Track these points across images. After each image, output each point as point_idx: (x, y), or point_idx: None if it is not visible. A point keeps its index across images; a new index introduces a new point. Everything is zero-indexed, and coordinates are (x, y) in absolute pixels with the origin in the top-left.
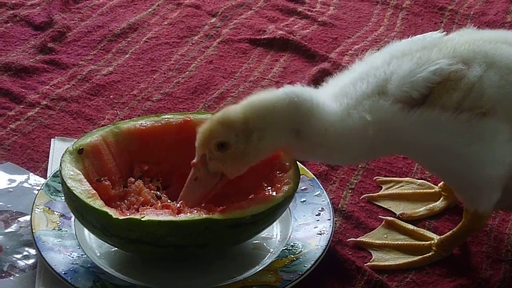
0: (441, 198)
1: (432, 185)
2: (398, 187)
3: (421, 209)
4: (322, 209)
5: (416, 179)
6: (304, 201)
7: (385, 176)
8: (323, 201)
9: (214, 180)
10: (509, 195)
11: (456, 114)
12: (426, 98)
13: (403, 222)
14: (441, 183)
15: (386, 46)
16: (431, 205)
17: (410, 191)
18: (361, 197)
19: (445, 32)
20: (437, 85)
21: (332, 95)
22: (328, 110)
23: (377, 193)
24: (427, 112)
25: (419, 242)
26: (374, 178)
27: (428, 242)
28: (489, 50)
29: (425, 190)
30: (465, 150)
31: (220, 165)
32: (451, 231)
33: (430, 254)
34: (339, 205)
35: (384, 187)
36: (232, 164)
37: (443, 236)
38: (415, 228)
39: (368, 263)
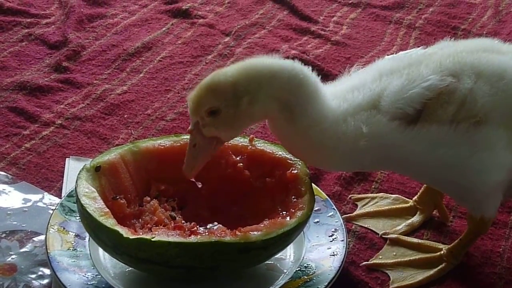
0: (418, 212)
1: (406, 199)
2: (374, 204)
3: (401, 226)
4: (335, 230)
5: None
6: (317, 222)
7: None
8: (336, 222)
9: (211, 145)
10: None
11: (453, 126)
12: (420, 114)
13: (406, 237)
14: (415, 197)
15: (370, 64)
16: (409, 221)
17: (386, 207)
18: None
19: (425, 47)
20: (430, 100)
21: (330, 94)
22: (326, 104)
23: (354, 213)
24: (425, 128)
25: (430, 255)
26: (349, 196)
27: (438, 254)
28: (474, 61)
29: (400, 205)
30: (468, 160)
31: (213, 130)
32: (458, 240)
33: (443, 265)
34: (353, 226)
35: (359, 204)
36: (225, 128)
37: (451, 245)
38: (420, 241)
39: (390, 287)
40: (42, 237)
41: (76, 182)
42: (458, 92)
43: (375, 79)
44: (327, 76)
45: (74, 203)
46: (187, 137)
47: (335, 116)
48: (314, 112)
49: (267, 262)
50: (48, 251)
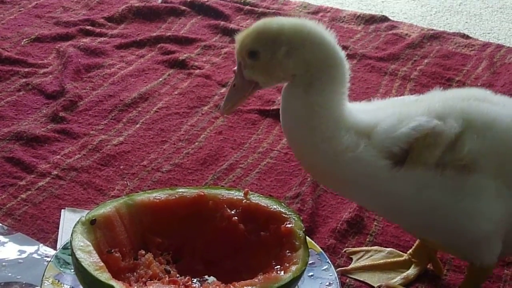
0: (413, 265)
1: (401, 252)
2: (368, 257)
3: (396, 279)
4: (330, 284)
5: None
6: (312, 275)
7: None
8: (330, 275)
9: (249, 87)
10: (508, 247)
11: (440, 170)
12: (407, 154)
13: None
14: (410, 250)
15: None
16: (405, 274)
17: (381, 261)
18: (336, 270)
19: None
20: (416, 141)
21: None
22: (342, 100)
23: (350, 266)
24: (411, 169)
25: None
26: (344, 249)
27: None
28: (464, 107)
29: (395, 259)
30: (454, 206)
31: (251, 73)
32: None
33: None
34: (347, 280)
35: (354, 258)
36: (261, 73)
37: None
38: None
39: None
40: None
41: (71, 235)
42: (445, 135)
43: (375, 108)
44: None
45: (69, 255)
46: (182, 190)
47: (344, 118)
48: (329, 97)
49: None
50: None
